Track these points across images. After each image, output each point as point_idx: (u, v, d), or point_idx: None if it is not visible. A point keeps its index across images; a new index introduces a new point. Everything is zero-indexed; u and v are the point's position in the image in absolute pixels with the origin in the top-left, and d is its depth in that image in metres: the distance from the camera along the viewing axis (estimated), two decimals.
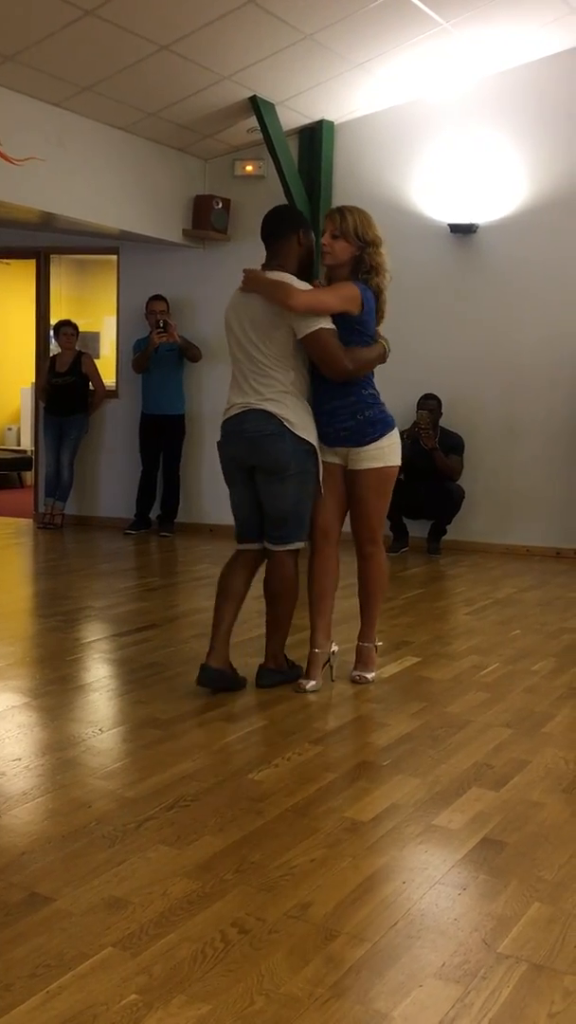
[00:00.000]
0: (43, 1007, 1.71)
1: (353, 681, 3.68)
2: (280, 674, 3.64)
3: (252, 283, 3.48)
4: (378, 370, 3.60)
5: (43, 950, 1.88)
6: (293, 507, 3.48)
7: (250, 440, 3.44)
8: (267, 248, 3.58)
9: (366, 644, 3.77)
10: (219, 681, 3.50)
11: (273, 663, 3.65)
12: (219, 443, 3.59)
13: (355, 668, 3.75)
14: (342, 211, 3.56)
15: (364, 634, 3.78)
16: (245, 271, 3.53)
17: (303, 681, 3.60)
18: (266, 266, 3.53)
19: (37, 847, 2.31)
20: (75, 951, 1.87)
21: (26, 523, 7.99)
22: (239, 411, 3.48)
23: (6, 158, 5.80)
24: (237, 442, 3.49)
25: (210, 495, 7.36)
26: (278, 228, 3.56)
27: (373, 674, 3.75)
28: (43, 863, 2.23)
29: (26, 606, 5.38)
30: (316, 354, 3.44)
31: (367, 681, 3.69)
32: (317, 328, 3.39)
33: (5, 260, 9.79)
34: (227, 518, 8.33)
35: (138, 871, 2.20)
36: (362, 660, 3.77)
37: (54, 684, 3.64)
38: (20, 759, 2.86)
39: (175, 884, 2.14)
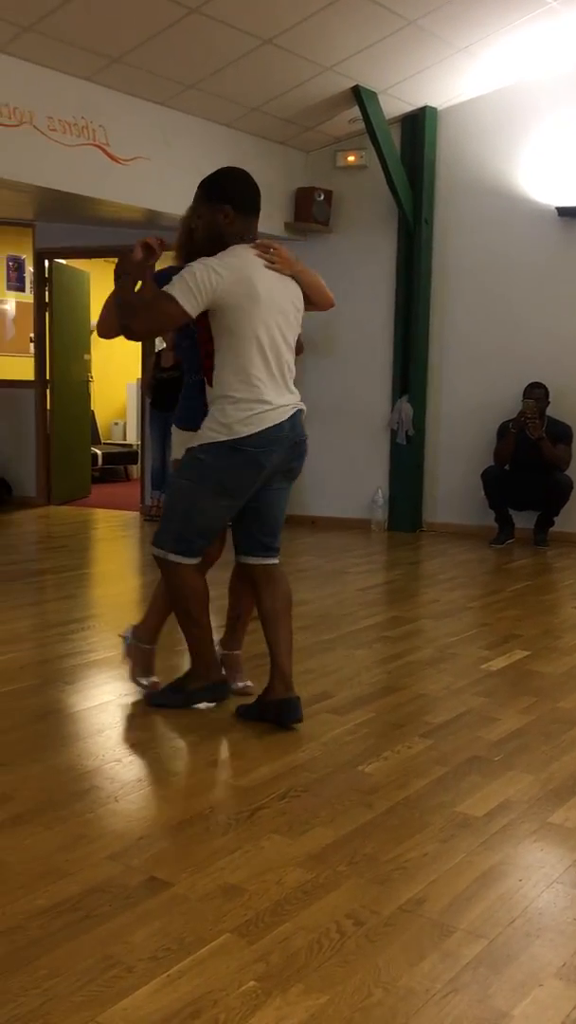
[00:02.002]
0: (164, 990, 1.74)
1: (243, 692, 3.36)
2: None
3: (295, 268, 3.04)
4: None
5: (163, 933, 1.92)
6: None
7: (296, 444, 3.06)
8: (249, 219, 3.02)
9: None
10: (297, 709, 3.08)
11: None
12: (259, 452, 2.95)
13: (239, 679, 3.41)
14: None
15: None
16: (278, 249, 2.99)
17: (242, 684, 3.41)
18: (249, 242, 3.03)
19: (154, 832, 2.36)
20: (194, 936, 1.91)
21: (132, 516, 8.16)
22: (293, 412, 3.02)
23: (113, 158, 5.92)
24: (288, 449, 3.02)
25: (311, 487, 7.37)
26: (259, 203, 3.06)
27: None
28: (160, 848, 2.28)
29: (134, 597, 5.49)
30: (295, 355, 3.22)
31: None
32: None
33: (111, 259, 10.00)
34: (329, 509, 8.22)
35: (252, 859, 2.22)
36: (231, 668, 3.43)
37: (163, 674, 3.71)
38: (135, 746, 2.93)
39: (289, 873, 2.16)
